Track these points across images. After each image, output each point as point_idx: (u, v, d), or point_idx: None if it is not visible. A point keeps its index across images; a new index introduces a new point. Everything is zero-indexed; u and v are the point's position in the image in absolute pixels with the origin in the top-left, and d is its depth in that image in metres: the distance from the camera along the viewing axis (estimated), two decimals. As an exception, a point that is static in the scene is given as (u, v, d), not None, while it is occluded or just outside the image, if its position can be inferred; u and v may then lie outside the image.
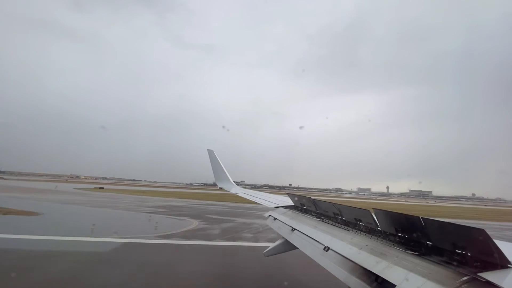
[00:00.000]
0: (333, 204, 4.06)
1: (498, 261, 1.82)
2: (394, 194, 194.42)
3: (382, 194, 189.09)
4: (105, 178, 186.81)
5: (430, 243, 2.32)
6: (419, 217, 2.36)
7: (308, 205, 5.06)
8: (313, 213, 4.82)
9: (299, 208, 5.48)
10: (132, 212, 26.51)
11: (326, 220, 4.22)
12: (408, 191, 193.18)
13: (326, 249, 3.28)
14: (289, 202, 6.17)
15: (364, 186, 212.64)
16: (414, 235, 2.47)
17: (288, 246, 4.70)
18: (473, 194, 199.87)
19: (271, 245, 5.45)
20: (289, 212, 5.58)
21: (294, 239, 4.28)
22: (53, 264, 9.58)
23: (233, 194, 10.02)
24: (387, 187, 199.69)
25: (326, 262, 3.12)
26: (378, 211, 2.90)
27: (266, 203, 7.13)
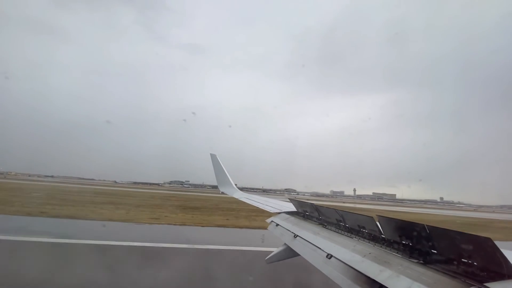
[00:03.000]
0: (336, 210, 4.02)
1: (505, 272, 1.78)
2: (352, 196, 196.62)
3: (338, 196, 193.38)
4: (52, 176, 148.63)
5: (435, 251, 2.28)
6: (424, 225, 2.33)
7: (310, 211, 5.02)
8: (315, 220, 4.78)
9: (302, 214, 5.43)
10: None
11: (329, 227, 4.17)
12: (371, 194, 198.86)
13: (329, 256, 3.23)
14: (291, 207, 6.13)
15: (338, 189, 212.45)
16: (419, 243, 2.42)
17: (290, 253, 4.64)
18: (441, 198, 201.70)
19: (273, 251, 5.39)
20: (292, 218, 5.54)
21: (296, 246, 4.23)
22: None
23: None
24: (354, 190, 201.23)
25: (328, 270, 3.07)
26: (382, 218, 2.87)
27: (268, 209, 7.09)
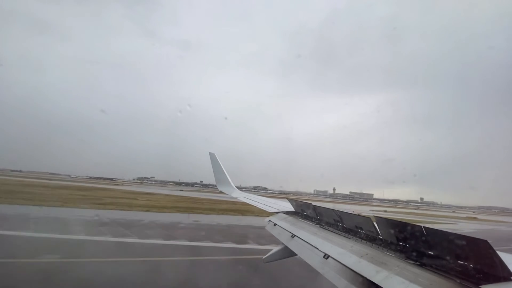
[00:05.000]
0: (333, 210, 4.02)
1: (501, 274, 1.78)
2: (323, 194, 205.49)
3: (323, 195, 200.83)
4: (20, 171, 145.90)
5: (432, 253, 2.28)
6: (421, 226, 2.33)
7: (308, 211, 5.02)
8: (313, 220, 4.78)
9: (300, 214, 5.43)
10: None
11: (327, 227, 4.17)
12: (348, 193, 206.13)
13: (326, 256, 3.23)
14: (289, 207, 6.13)
15: (322, 188, 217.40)
16: (416, 244, 2.43)
17: (287, 253, 4.64)
18: (421, 199, 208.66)
19: (271, 250, 5.40)
20: (290, 218, 5.54)
21: (293, 246, 4.23)
22: None
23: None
24: (334, 189, 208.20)
25: (326, 270, 3.07)
26: (379, 219, 2.87)
27: (266, 208, 7.09)
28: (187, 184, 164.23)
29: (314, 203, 4.95)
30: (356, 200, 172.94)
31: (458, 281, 1.94)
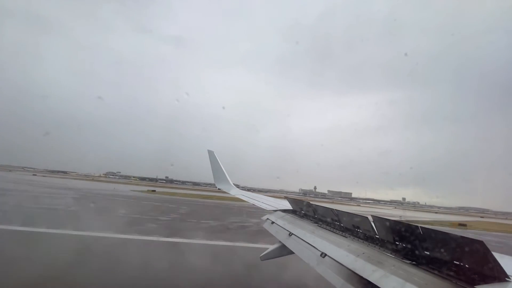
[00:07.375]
0: (331, 209, 4.04)
1: (496, 274, 1.80)
2: (307, 193, 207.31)
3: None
4: None
5: (428, 253, 2.30)
6: (417, 226, 2.35)
7: (306, 209, 5.04)
8: (311, 218, 4.80)
9: (298, 213, 5.45)
10: None
11: (324, 226, 4.19)
12: (326, 192, 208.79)
13: (323, 255, 3.25)
14: (287, 205, 6.15)
15: (308, 188, 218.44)
16: (412, 244, 2.44)
17: (285, 251, 4.66)
18: (403, 199, 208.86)
19: (268, 248, 5.41)
20: (287, 216, 5.55)
21: (291, 244, 4.24)
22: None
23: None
24: (315, 187, 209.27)
25: (322, 268, 3.09)
26: (376, 218, 2.88)
27: (264, 206, 7.11)
28: (151, 179, 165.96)
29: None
30: (326, 198, 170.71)
31: (454, 281, 1.95)
